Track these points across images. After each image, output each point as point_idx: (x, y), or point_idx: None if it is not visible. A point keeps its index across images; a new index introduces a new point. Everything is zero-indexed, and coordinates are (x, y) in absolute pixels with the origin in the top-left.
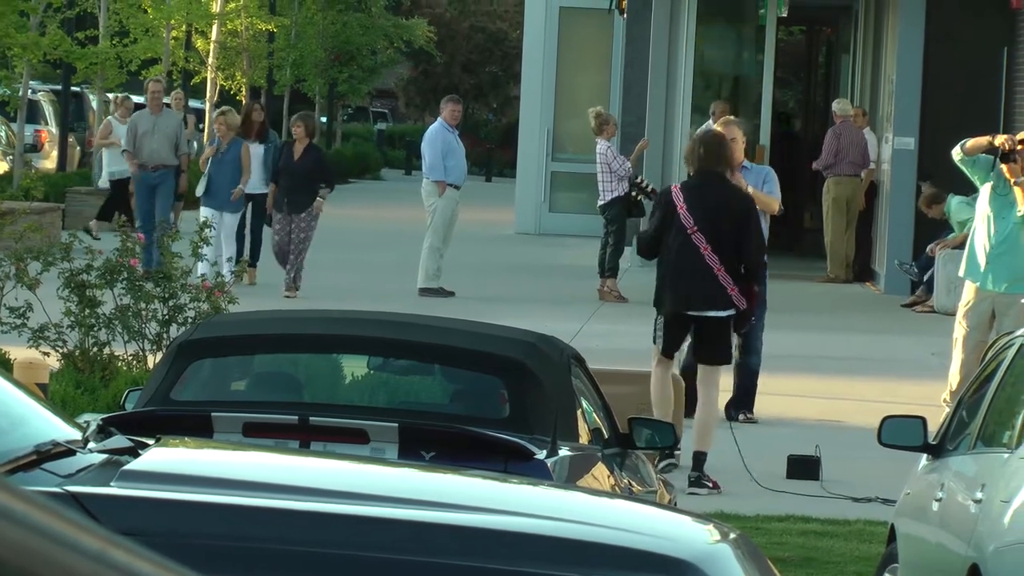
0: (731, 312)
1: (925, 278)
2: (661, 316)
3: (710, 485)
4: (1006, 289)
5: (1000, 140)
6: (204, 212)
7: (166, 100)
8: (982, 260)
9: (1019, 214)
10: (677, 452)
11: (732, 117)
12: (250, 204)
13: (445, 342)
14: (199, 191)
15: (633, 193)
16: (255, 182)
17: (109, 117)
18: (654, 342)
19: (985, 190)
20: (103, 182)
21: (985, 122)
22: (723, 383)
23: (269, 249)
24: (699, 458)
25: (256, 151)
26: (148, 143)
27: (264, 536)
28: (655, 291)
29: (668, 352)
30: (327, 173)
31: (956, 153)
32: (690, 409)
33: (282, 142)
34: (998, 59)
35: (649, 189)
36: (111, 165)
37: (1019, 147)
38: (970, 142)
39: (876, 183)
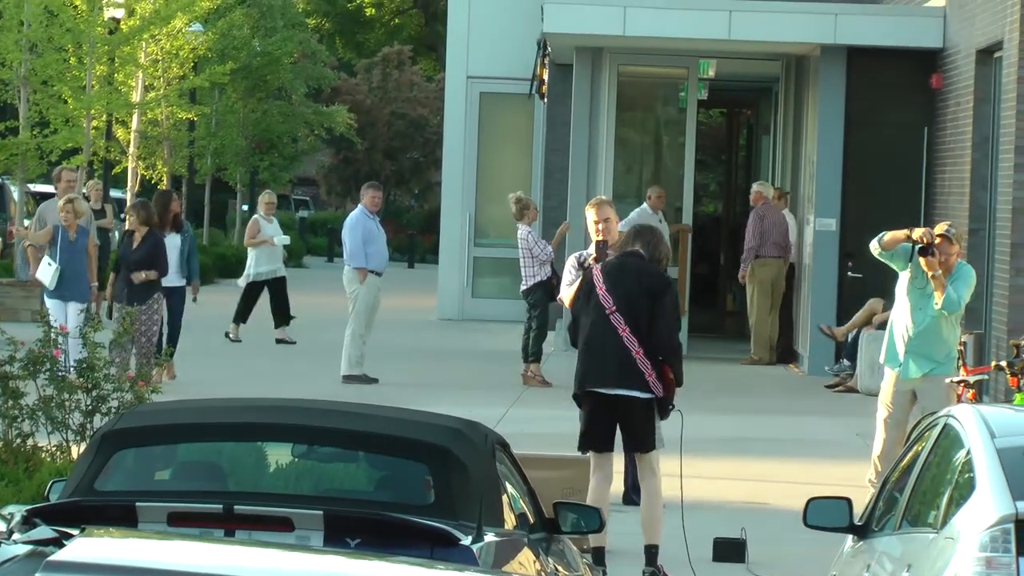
0: (652, 396)
1: (845, 357)
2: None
3: None
4: (927, 374)
5: (918, 234)
6: (49, 304)
7: (83, 191)
8: (901, 349)
9: (937, 307)
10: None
11: (604, 198)
12: (166, 300)
13: (369, 429)
14: (50, 283)
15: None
16: (170, 275)
17: (256, 215)
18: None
19: (904, 278)
20: (243, 282)
21: (907, 202)
22: (616, 465)
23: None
24: (651, 551)
25: (172, 242)
26: None
27: None
28: (575, 378)
29: (595, 444)
30: (158, 260)
31: (874, 247)
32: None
33: (124, 231)
34: (919, 139)
35: (587, 266)
36: (258, 265)
37: (937, 240)
38: (887, 236)
39: (794, 265)
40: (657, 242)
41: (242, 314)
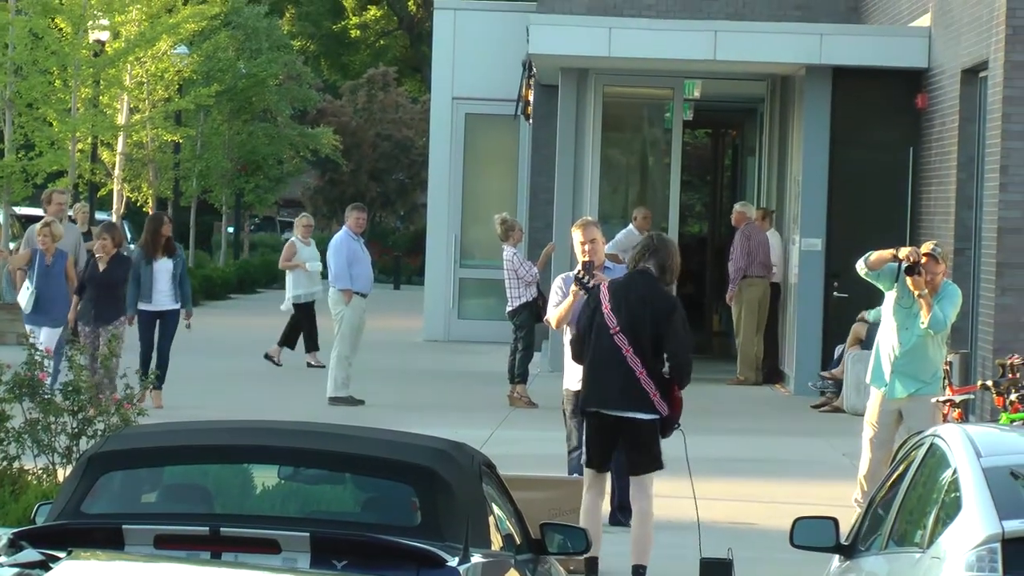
0: (655, 416)
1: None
2: (583, 423)
3: None
4: (913, 393)
5: (904, 253)
6: (28, 327)
7: (69, 213)
8: (887, 369)
9: (923, 326)
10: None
11: (590, 218)
12: (158, 322)
13: (356, 451)
14: (26, 307)
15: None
16: (162, 299)
17: (292, 238)
18: (583, 464)
19: (890, 298)
20: (286, 306)
21: (892, 221)
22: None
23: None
24: (640, 572)
25: (165, 266)
26: None
27: None
28: (579, 395)
29: (594, 463)
30: (125, 283)
31: (860, 267)
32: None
33: (89, 254)
34: (904, 159)
35: (590, 285)
36: (296, 288)
37: (923, 259)
38: (874, 256)
39: (779, 285)
40: (671, 262)
41: (307, 337)
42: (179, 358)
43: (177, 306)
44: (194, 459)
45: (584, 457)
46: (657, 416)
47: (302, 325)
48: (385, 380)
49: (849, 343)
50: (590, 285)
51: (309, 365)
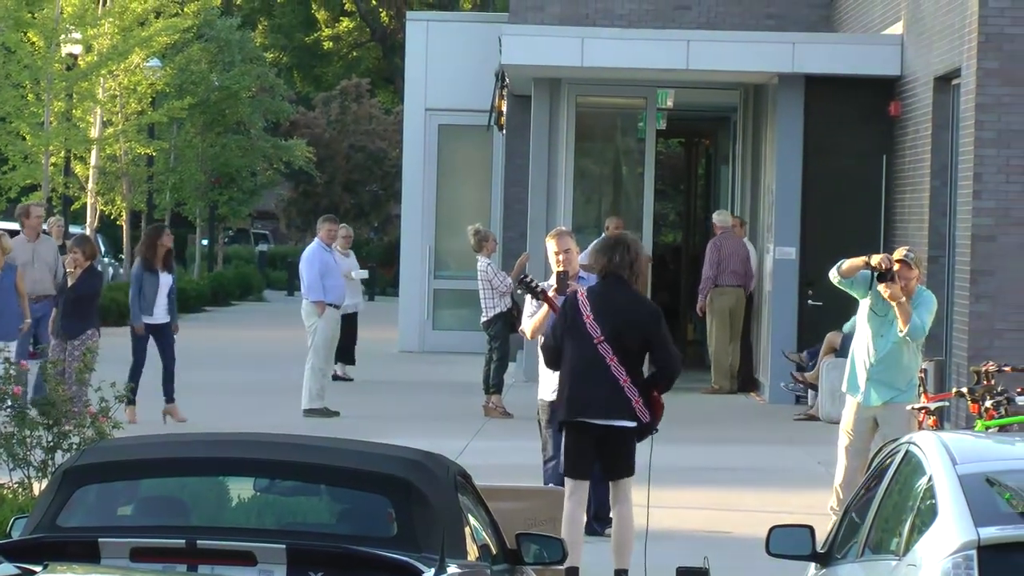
0: (636, 423)
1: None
2: (563, 432)
3: None
4: (888, 401)
5: (876, 260)
6: None
7: (44, 226)
8: (862, 377)
9: (901, 333)
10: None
11: (564, 228)
12: (151, 336)
13: (331, 462)
14: None
15: (519, 291)
16: (160, 312)
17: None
18: (562, 473)
19: (864, 306)
20: None
21: (866, 229)
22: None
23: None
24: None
25: (165, 280)
26: (29, 273)
27: None
28: (555, 404)
29: (577, 472)
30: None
31: (833, 276)
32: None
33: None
34: (878, 167)
35: (538, 288)
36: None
37: (896, 266)
38: (846, 264)
39: (753, 293)
40: (635, 256)
41: (343, 349)
42: (154, 372)
43: (168, 320)
44: (170, 472)
45: (564, 466)
46: (637, 423)
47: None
48: (360, 391)
49: (823, 351)
50: (538, 290)
51: (336, 377)
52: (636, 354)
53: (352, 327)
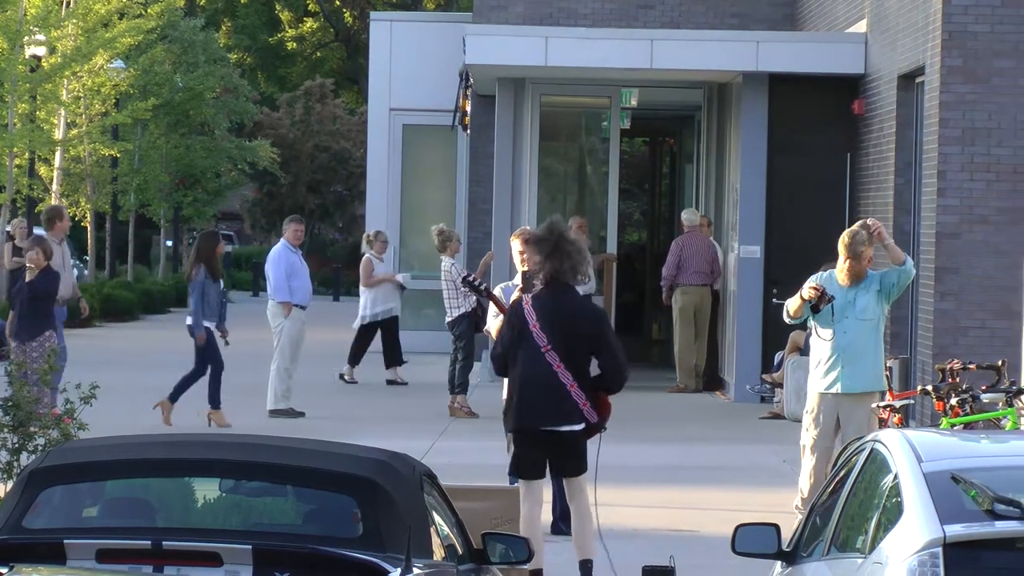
0: (583, 425)
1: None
2: (511, 437)
3: None
4: (856, 392)
5: (807, 294)
6: None
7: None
8: (826, 367)
9: (863, 319)
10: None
11: (528, 228)
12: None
13: (297, 463)
14: None
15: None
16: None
17: (368, 255)
18: (511, 473)
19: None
20: (358, 323)
21: (831, 227)
22: (545, 495)
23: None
24: (587, 566)
25: (218, 288)
26: (65, 277)
27: None
28: (504, 408)
29: (527, 474)
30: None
31: (786, 319)
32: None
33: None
34: (842, 165)
35: (482, 287)
36: (375, 305)
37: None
38: (791, 308)
39: (717, 292)
40: (578, 260)
41: (356, 355)
42: (119, 373)
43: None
44: (135, 473)
45: (515, 469)
46: (584, 424)
47: (383, 341)
48: (325, 392)
49: (788, 350)
50: (481, 287)
51: (389, 382)
52: (582, 359)
53: (393, 330)
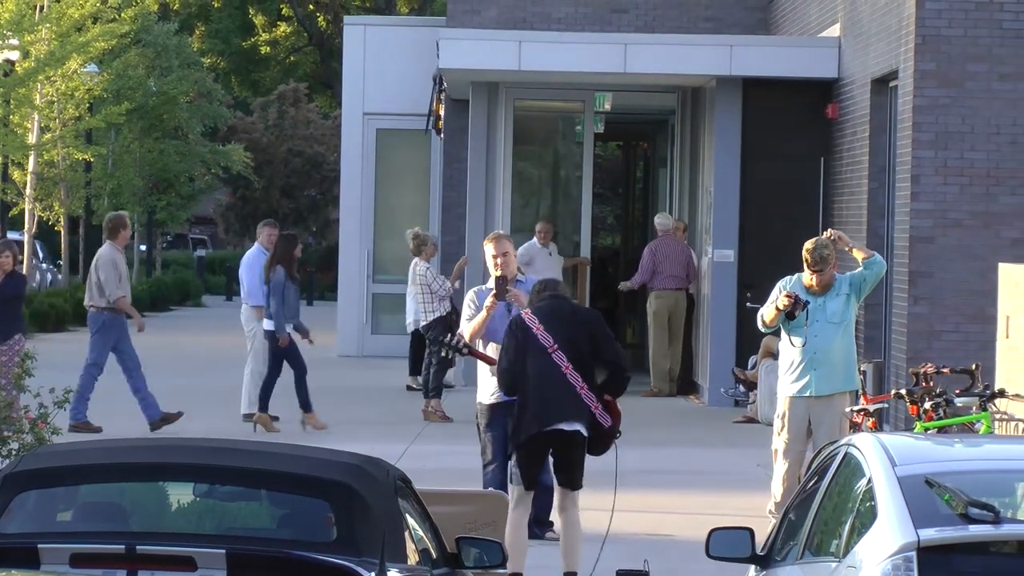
0: (589, 434)
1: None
2: (518, 449)
3: None
4: (828, 393)
5: (781, 304)
6: None
7: None
8: (799, 370)
9: (834, 322)
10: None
11: (502, 232)
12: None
13: (271, 467)
14: None
15: (445, 354)
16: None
17: (417, 259)
18: (511, 482)
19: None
20: (411, 327)
21: (804, 232)
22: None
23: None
24: None
25: (292, 289)
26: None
27: None
28: (514, 423)
29: (529, 483)
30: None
31: (761, 327)
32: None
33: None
34: (816, 169)
35: (461, 346)
36: (417, 313)
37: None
38: (766, 317)
39: (692, 296)
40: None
41: (417, 364)
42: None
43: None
44: (109, 477)
45: (517, 477)
46: (595, 430)
47: (411, 345)
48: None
49: (760, 355)
50: (460, 345)
51: (409, 388)
52: (588, 359)
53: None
